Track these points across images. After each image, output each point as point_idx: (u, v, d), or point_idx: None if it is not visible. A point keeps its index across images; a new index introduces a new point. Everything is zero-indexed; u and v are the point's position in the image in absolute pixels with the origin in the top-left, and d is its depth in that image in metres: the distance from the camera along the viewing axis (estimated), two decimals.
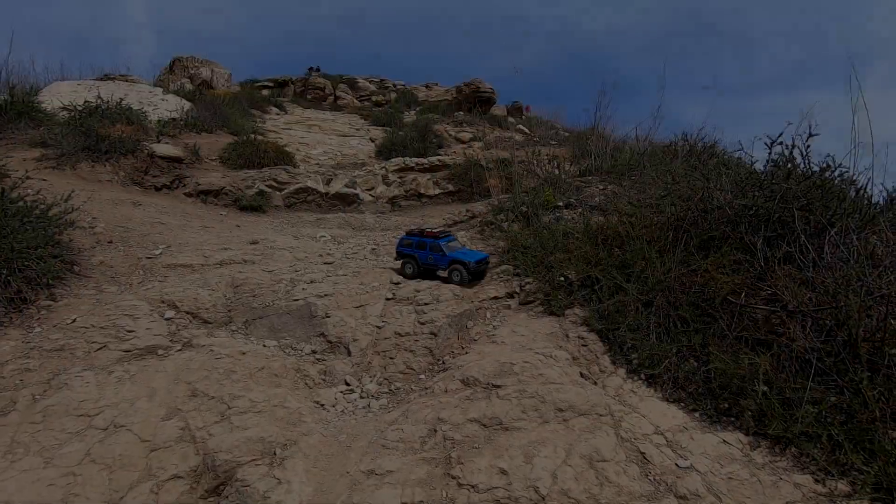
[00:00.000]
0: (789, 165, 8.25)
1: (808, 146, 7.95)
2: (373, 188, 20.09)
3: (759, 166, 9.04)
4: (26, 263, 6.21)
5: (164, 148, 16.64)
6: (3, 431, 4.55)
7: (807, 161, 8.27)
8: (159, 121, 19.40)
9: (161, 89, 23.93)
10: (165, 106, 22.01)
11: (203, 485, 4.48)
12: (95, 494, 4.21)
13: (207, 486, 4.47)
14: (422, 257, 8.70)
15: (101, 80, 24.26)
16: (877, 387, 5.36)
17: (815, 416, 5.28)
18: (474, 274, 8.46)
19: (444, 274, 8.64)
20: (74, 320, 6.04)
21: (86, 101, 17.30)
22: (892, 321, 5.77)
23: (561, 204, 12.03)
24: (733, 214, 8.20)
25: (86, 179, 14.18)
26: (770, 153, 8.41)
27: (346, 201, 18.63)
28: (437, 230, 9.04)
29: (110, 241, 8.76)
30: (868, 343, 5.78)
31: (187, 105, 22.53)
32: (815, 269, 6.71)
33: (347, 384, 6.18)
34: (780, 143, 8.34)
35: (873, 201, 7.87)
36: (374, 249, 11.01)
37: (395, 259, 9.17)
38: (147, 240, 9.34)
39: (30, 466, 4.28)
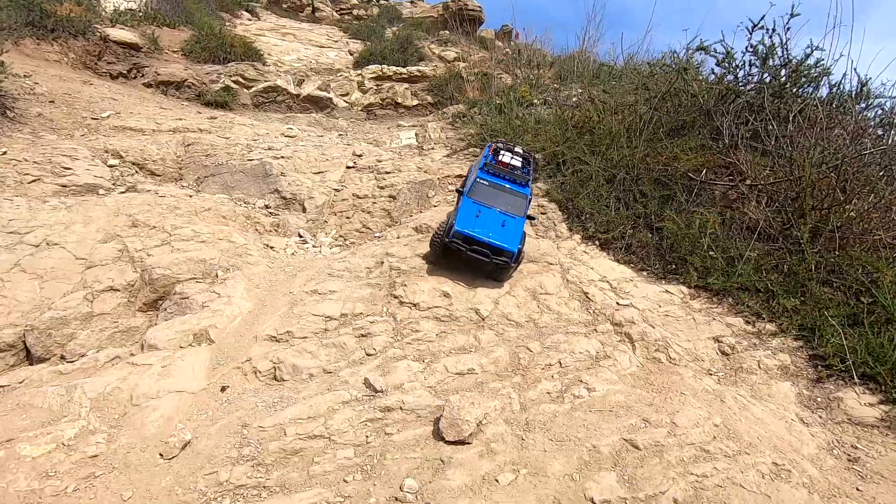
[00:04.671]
0: (766, 52, 8.02)
1: (788, 28, 7.69)
2: (347, 94, 19.15)
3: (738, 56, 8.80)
4: None
5: (120, 32, 15.28)
6: None
7: (785, 48, 8.04)
8: (115, 10, 17.85)
9: None
10: None
11: (141, 298, 4.41)
12: (24, 297, 4.10)
13: (145, 299, 4.41)
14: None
15: None
16: (817, 246, 5.51)
17: (755, 268, 5.44)
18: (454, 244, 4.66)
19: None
20: (5, 152, 5.68)
21: None
22: (839, 193, 5.85)
23: (537, 101, 11.68)
24: (704, 102, 8.05)
25: (31, 57, 13.03)
26: (750, 38, 8.13)
27: (318, 105, 17.76)
28: (511, 159, 5.52)
29: (52, 101, 8.17)
30: (818, 211, 5.88)
31: None
32: (777, 143, 6.71)
33: (300, 237, 6.08)
34: (762, 28, 8.05)
35: (845, 89, 7.77)
36: (340, 135, 10.65)
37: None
38: (94, 106, 8.75)
39: None
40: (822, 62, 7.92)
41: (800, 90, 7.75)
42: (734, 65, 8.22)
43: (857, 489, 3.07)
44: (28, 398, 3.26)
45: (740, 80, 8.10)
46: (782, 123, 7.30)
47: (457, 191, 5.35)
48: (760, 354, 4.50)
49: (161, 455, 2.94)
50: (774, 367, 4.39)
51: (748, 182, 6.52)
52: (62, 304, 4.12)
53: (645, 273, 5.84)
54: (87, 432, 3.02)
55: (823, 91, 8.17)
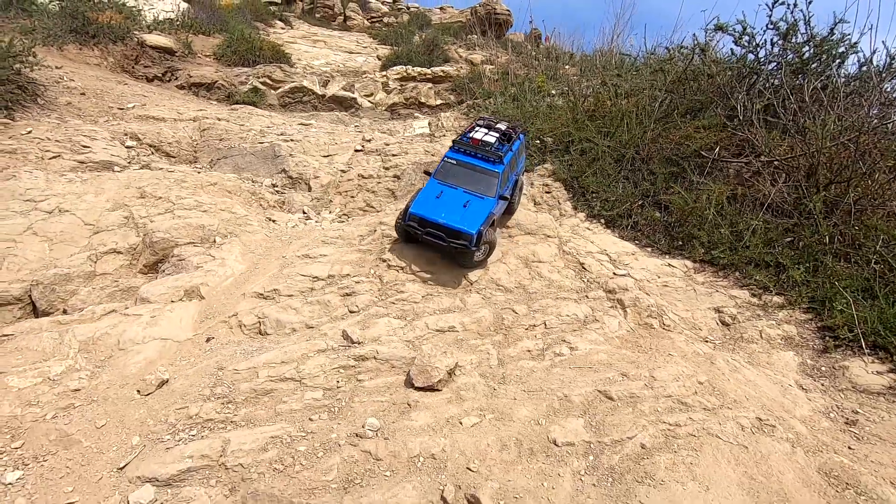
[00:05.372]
0: (787, 28, 7.71)
1: (811, 2, 7.37)
2: (372, 94, 19.46)
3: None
4: None
5: (156, 38, 16.07)
6: None
7: (808, 23, 7.70)
8: (154, 19, 18.83)
9: None
10: (161, 6, 21.25)
11: (142, 260, 4.59)
12: (33, 256, 4.33)
13: (146, 261, 4.58)
14: None
15: None
16: (832, 219, 5.24)
17: (765, 242, 5.20)
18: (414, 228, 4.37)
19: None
20: (30, 132, 6.05)
21: None
22: (860, 163, 5.55)
23: (554, 93, 11.57)
24: (721, 80, 7.81)
25: (73, 61, 13.82)
26: (771, 14, 7.82)
27: (343, 105, 18.10)
28: (485, 135, 5.08)
29: (83, 94, 8.66)
30: (836, 185, 5.60)
31: (184, 5, 21.73)
32: (794, 117, 6.42)
33: (304, 213, 6.20)
34: (783, 4, 7.74)
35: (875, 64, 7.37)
36: (356, 126, 10.83)
37: None
38: (123, 99, 9.22)
39: None
40: (848, 37, 7.55)
41: (824, 67, 7.41)
42: (754, 43, 7.93)
43: (849, 448, 2.88)
44: (25, 342, 3.44)
45: (761, 59, 7.81)
46: (801, 100, 7.01)
47: (425, 172, 4.99)
48: (763, 325, 4.29)
49: (138, 391, 3.05)
50: (778, 338, 4.17)
51: (763, 158, 6.26)
52: (67, 262, 4.34)
53: (649, 249, 5.67)
54: (72, 370, 3.16)
55: (852, 69, 7.80)
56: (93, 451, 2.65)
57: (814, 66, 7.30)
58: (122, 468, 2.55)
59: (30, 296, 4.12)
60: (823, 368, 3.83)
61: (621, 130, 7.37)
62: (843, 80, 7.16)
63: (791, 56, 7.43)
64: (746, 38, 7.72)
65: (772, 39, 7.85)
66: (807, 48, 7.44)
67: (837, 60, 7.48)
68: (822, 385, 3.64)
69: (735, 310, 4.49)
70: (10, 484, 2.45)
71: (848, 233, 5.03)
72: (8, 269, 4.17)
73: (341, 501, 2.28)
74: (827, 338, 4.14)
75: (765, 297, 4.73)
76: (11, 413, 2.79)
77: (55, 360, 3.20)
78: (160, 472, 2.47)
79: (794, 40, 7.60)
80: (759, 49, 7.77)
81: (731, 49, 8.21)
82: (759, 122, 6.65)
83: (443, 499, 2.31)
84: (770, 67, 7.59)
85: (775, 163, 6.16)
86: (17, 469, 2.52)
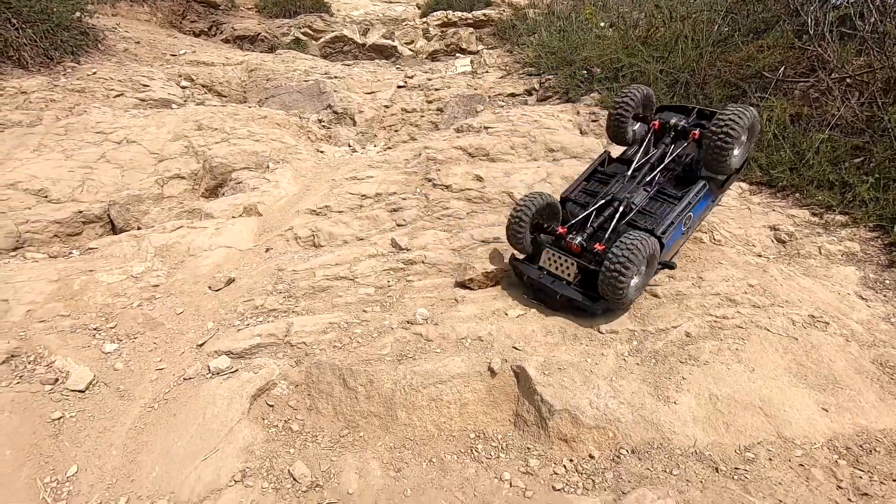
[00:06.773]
0: None
1: None
2: (412, 42, 19.11)
3: None
4: (44, 26, 6.52)
5: None
6: (31, 138, 5.09)
7: None
8: None
9: None
10: None
11: (203, 185, 4.89)
12: (108, 181, 4.70)
13: (206, 185, 4.88)
14: None
15: None
16: None
17: (830, 159, 4.89)
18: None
19: None
20: (95, 72, 6.42)
21: None
22: None
23: (603, 24, 10.96)
24: None
25: (125, 17, 14.25)
26: None
27: (383, 54, 17.90)
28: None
29: (138, 42, 9.01)
30: None
31: None
32: (874, 29, 5.85)
33: (350, 146, 6.34)
34: None
35: None
36: (398, 68, 10.76)
37: None
38: (174, 48, 9.54)
39: (54, 159, 4.82)
40: None
41: None
42: None
43: None
44: (109, 251, 3.81)
45: None
46: (882, 7, 6.34)
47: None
48: (823, 241, 4.11)
49: (209, 287, 3.34)
50: (838, 253, 4.00)
51: (834, 75, 5.78)
52: (137, 186, 4.69)
53: None
54: (151, 270, 3.48)
55: None
56: (175, 332, 2.97)
57: None
58: (200, 345, 2.85)
59: (108, 214, 4.51)
60: (888, 282, 3.66)
61: (675, 55, 6.97)
62: None
63: None
64: None
65: None
66: None
67: None
68: (885, 296, 3.50)
69: (793, 227, 4.32)
70: (108, 353, 2.80)
71: None
72: (88, 192, 4.56)
73: (396, 368, 2.47)
74: (894, 252, 3.93)
75: (826, 217, 4.50)
76: (104, 301, 3.15)
77: (136, 262, 3.54)
78: (234, 347, 2.74)
79: None
80: None
81: None
82: (833, 35, 6.11)
83: (489, 369, 2.46)
84: None
85: (847, 79, 5.69)
86: (114, 343, 2.88)
